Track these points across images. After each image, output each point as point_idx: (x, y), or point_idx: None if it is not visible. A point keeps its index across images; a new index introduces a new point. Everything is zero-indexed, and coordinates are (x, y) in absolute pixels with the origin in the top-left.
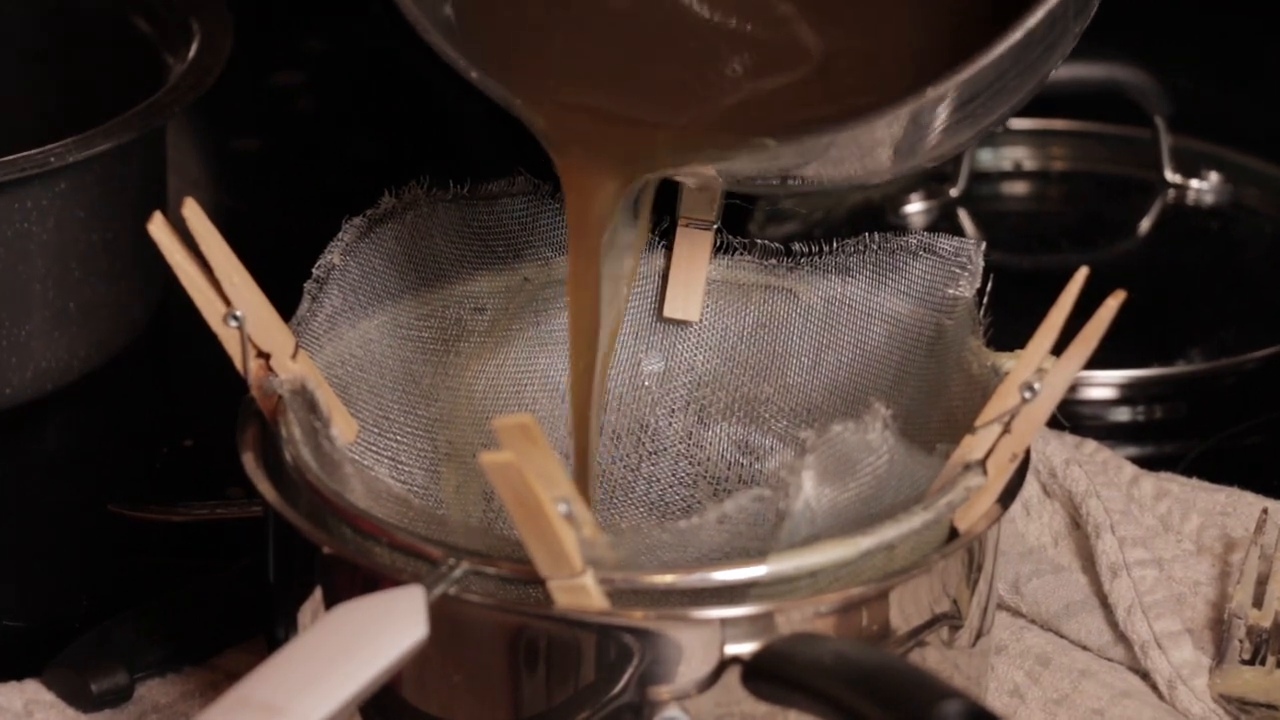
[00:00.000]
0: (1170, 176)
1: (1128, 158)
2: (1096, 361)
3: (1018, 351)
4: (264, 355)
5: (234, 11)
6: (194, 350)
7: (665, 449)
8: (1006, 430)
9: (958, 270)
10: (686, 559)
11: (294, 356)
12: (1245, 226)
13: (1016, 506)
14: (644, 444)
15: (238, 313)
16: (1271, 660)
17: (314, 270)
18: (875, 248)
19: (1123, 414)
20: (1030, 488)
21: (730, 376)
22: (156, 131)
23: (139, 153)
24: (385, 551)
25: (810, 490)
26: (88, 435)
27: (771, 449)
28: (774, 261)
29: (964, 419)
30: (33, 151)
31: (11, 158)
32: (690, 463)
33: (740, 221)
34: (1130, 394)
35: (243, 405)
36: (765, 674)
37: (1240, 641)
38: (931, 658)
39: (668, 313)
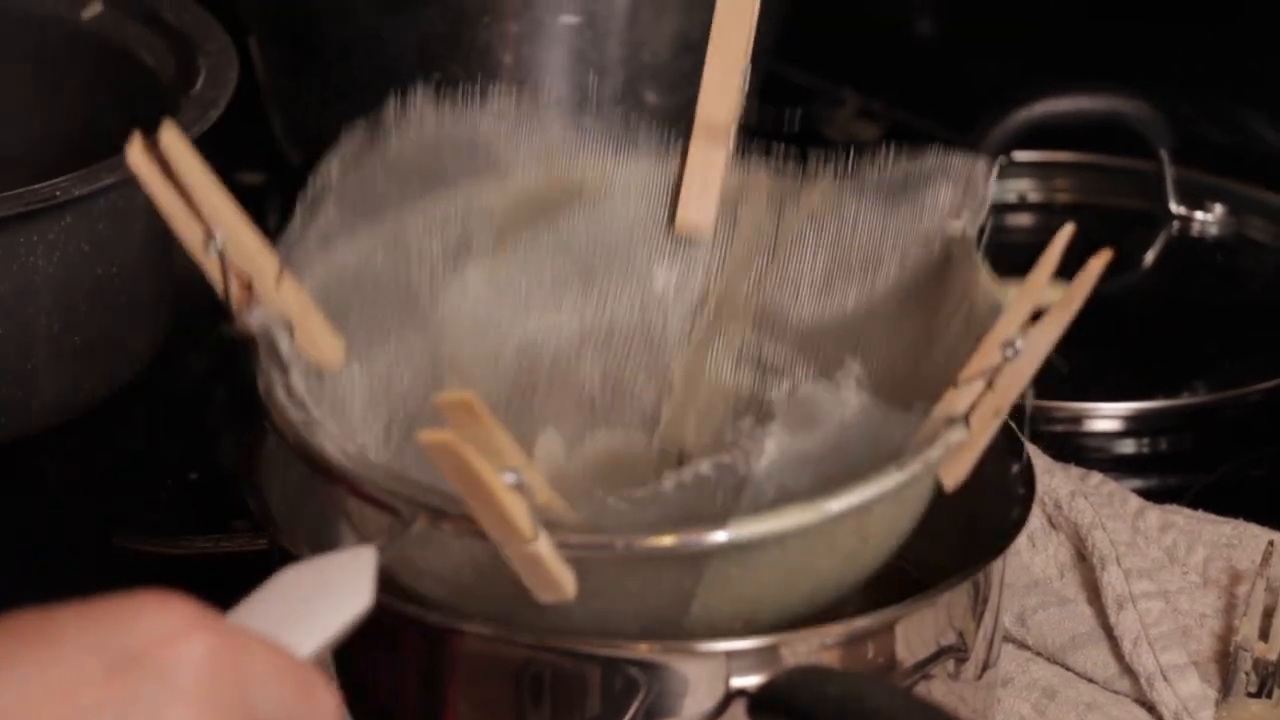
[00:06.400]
0: (1174, 208)
1: (1132, 190)
2: (1102, 393)
3: (1020, 284)
4: (247, 282)
5: (239, 46)
6: (199, 384)
7: (674, 362)
8: (990, 386)
9: (967, 197)
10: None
11: (278, 281)
12: (1250, 258)
13: (1022, 539)
14: (652, 357)
15: (217, 239)
16: (1278, 693)
17: (308, 184)
18: (890, 166)
19: (1128, 446)
20: (1036, 520)
21: (741, 292)
22: None
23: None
24: (354, 505)
25: (774, 454)
26: (92, 468)
27: (783, 367)
28: (789, 174)
29: (964, 356)
30: (38, 186)
31: (17, 192)
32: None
33: (756, 132)
34: (1135, 426)
35: (246, 440)
36: (771, 707)
37: (1246, 674)
38: (937, 690)
39: (680, 225)
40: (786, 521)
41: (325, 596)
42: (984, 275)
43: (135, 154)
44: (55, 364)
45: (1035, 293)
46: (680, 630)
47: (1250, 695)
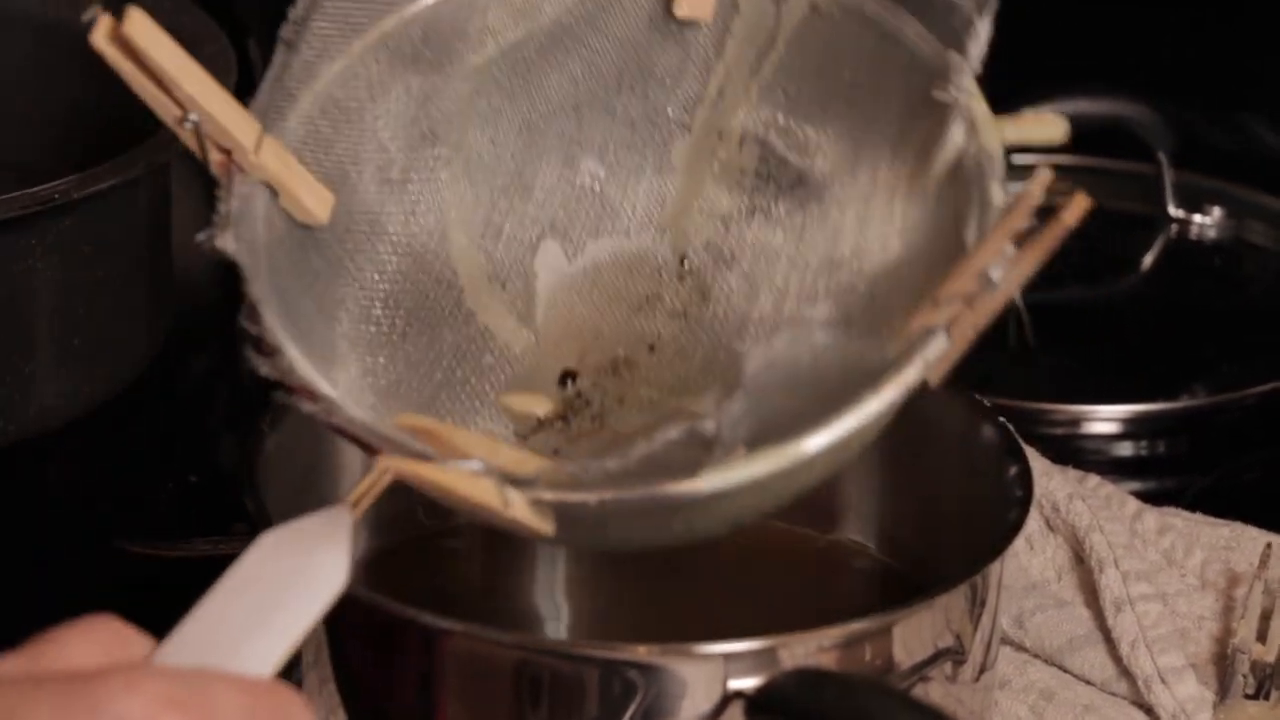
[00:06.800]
0: (1173, 211)
1: (1131, 193)
2: (1100, 396)
3: (1020, 119)
4: (227, 150)
5: (237, 48)
6: (199, 386)
7: (676, 152)
8: (968, 306)
9: (960, 61)
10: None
11: (258, 148)
12: (1248, 261)
13: (1020, 541)
14: (654, 148)
15: (192, 115)
16: (1276, 695)
17: (290, 14)
18: None
19: (1126, 448)
20: (1033, 522)
21: (742, 79)
22: (161, 167)
23: (144, 188)
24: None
25: (743, 406)
26: (92, 471)
27: (785, 154)
28: None
29: (952, 212)
30: (38, 188)
31: (16, 194)
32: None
33: None
34: (1133, 428)
35: (249, 441)
36: (768, 709)
37: (1244, 676)
38: (935, 693)
39: (678, 10)
40: (759, 469)
41: (299, 579)
42: (977, 119)
43: (100, 39)
44: (55, 366)
45: (1012, 225)
46: (665, 540)
47: (1248, 697)
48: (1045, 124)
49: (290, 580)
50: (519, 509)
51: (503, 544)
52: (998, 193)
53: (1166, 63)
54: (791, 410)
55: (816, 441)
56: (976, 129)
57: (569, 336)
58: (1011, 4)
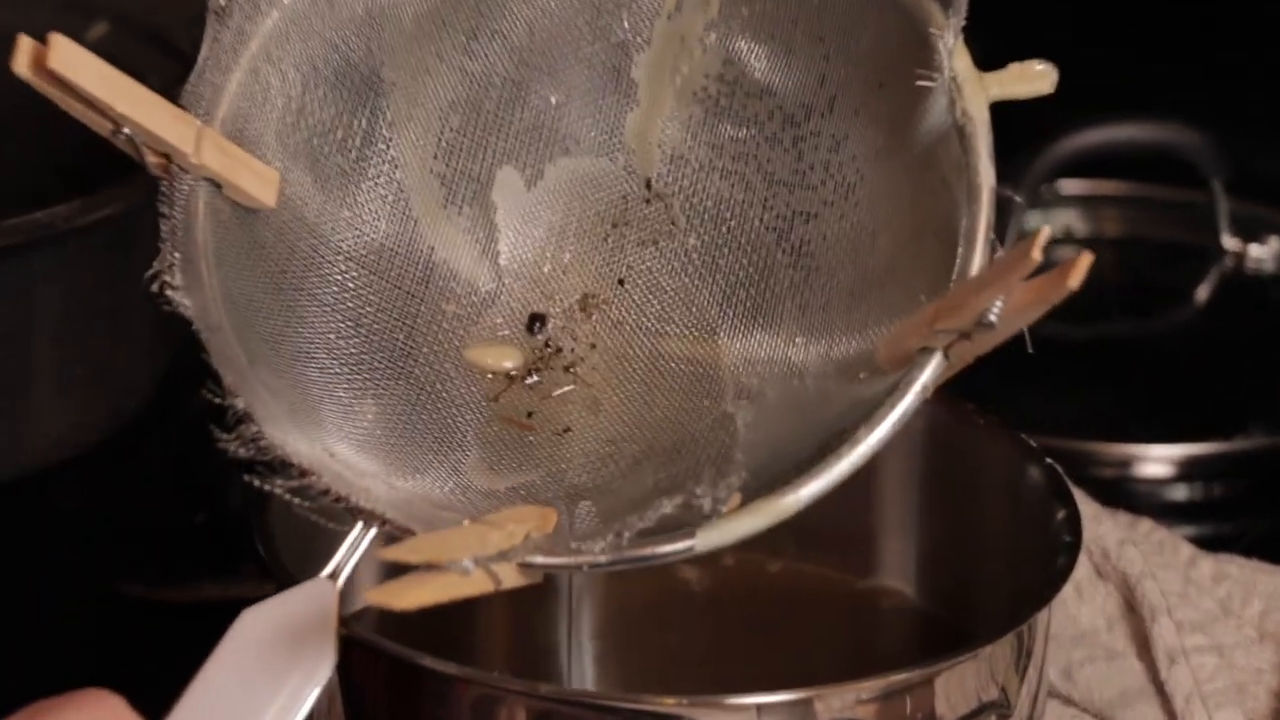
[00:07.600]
0: (1227, 242)
1: (1183, 222)
2: (1152, 436)
3: (1004, 72)
4: (165, 155)
5: None
6: (205, 422)
7: (636, 68)
8: (965, 337)
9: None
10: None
11: (198, 148)
12: None
13: (1068, 589)
14: (612, 64)
15: (125, 130)
16: None
17: None
18: None
19: (1180, 491)
20: (1083, 569)
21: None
22: None
23: (148, 215)
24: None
25: (737, 478)
26: (95, 509)
27: (748, 64)
28: None
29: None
30: (39, 214)
31: (17, 220)
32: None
33: None
34: (1187, 470)
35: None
36: None
37: None
38: None
39: None
40: (754, 523)
41: (290, 665)
42: (961, 79)
43: (22, 67)
44: (56, 397)
45: (1011, 279)
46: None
47: None
48: (1031, 76)
49: (280, 667)
50: (510, 580)
51: (526, 589)
52: (988, 171)
53: (1220, 88)
54: (786, 443)
55: (812, 489)
56: (960, 91)
57: (534, 276)
58: (1063, 29)
